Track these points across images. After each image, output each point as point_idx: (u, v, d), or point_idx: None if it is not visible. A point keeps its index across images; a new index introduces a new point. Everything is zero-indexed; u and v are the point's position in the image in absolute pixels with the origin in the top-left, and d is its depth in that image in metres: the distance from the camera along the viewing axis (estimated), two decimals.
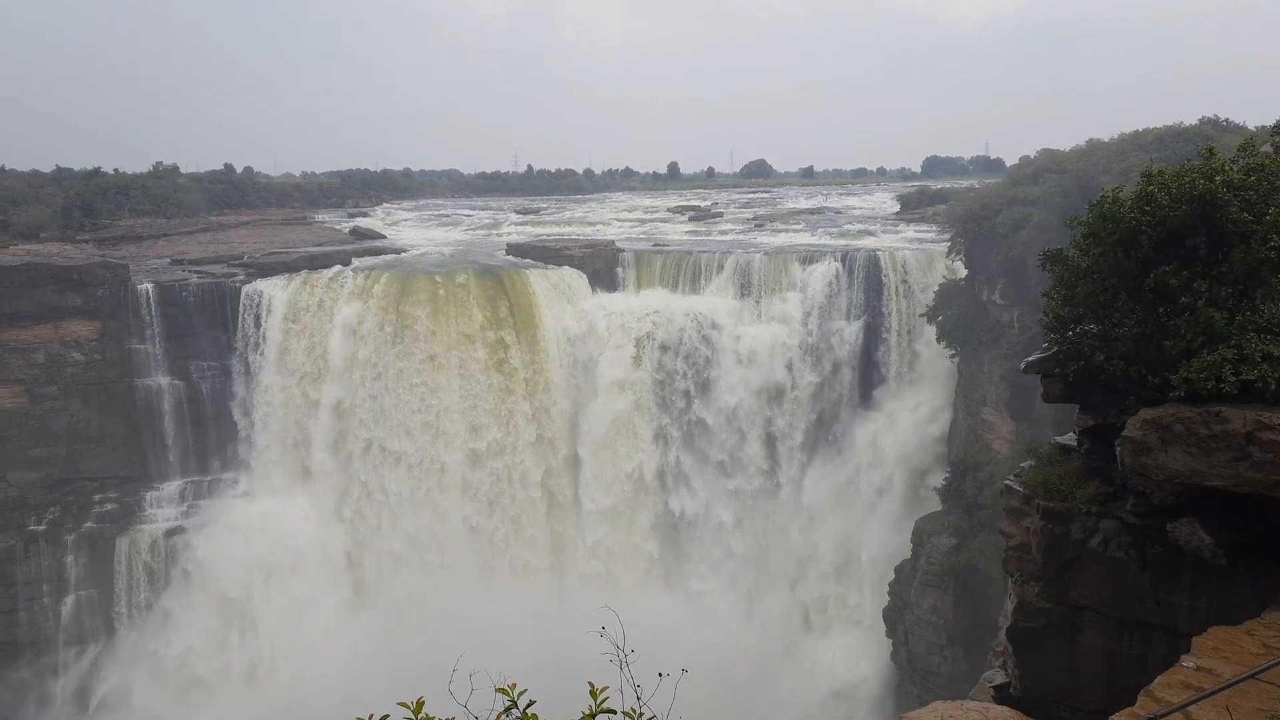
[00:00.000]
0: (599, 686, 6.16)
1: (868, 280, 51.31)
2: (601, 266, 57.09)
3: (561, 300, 54.35)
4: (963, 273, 49.10)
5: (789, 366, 51.48)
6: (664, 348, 52.49)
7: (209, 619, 50.24)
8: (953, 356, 48.64)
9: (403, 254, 62.91)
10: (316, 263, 56.86)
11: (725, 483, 52.34)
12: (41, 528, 49.92)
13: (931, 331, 48.94)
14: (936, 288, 49.32)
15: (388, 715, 5.81)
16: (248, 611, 50.43)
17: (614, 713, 6.14)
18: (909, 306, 50.75)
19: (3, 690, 47.94)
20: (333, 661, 46.68)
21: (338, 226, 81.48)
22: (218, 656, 49.61)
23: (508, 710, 6.11)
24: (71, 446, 51.20)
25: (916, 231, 63.06)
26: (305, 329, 52.74)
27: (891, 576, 47.13)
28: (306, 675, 46.94)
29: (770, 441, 52.03)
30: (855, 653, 49.19)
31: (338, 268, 56.20)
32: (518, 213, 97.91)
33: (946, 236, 52.72)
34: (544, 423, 52.82)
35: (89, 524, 50.53)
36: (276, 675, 48.35)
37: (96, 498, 51.30)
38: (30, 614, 49.38)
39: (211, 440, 52.95)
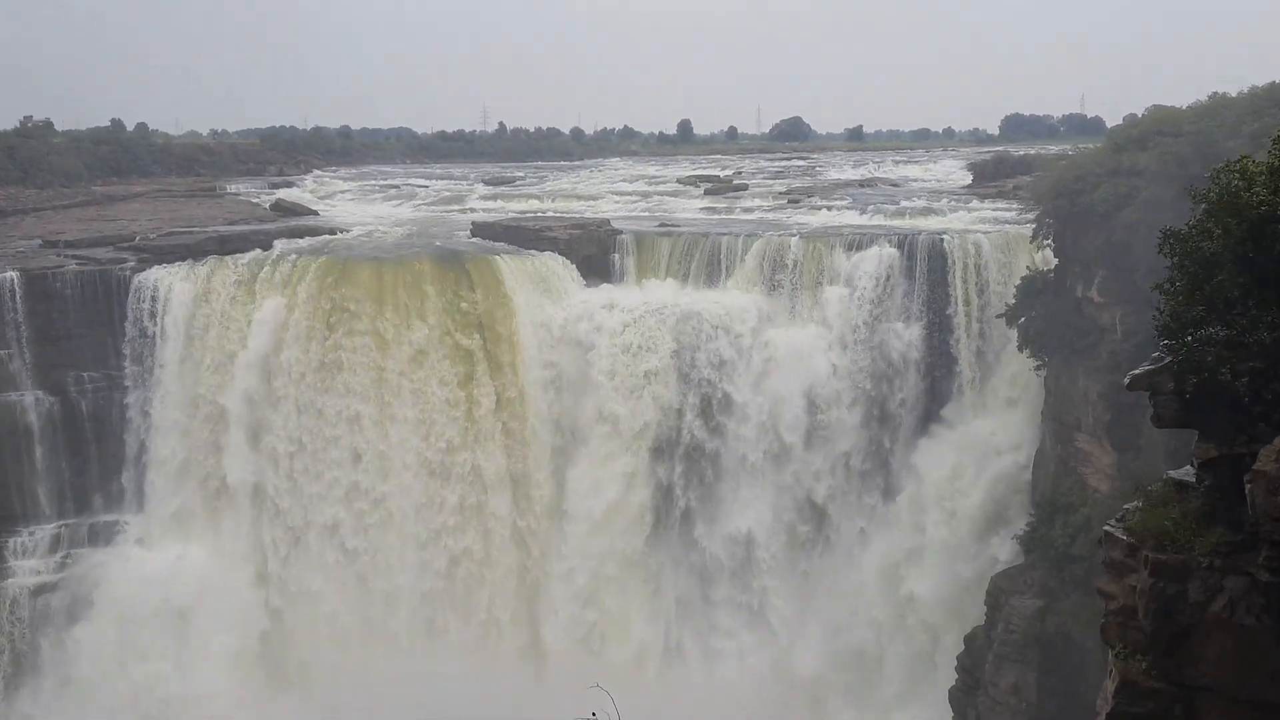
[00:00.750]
0: None
1: (931, 272, 51.40)
2: (593, 252, 57.24)
3: (542, 295, 54.47)
4: (1052, 263, 49.17)
5: (831, 381, 51.55)
6: (674, 354, 52.57)
7: (88, 705, 50.08)
8: (1038, 369, 48.73)
9: (339, 235, 63.05)
10: (229, 246, 56.94)
11: (749, 524, 52.41)
12: None
13: (1012, 337, 49.04)
14: (1018, 282, 49.39)
15: None
16: (139, 695, 50.32)
17: None
18: (983, 305, 50.85)
19: None
20: None
21: (256, 199, 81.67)
22: None
23: None
24: None
25: (993, 210, 63.24)
26: (214, 332, 52.84)
27: (960, 648, 47.13)
28: None
29: (806, 475, 52.08)
30: None
31: (256, 252, 56.28)
32: (487, 184, 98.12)
33: (1031, 217, 52.86)
34: (518, 454, 52.88)
35: None
36: None
37: None
38: None
39: (93, 473, 52.94)
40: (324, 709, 48.81)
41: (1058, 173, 52.45)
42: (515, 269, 54.67)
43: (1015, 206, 61.30)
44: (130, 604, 50.90)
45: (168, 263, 54.81)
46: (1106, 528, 16.56)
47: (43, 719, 50.16)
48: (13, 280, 52.29)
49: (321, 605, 52.27)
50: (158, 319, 52.95)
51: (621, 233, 58.75)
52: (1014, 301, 48.96)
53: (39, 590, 51.10)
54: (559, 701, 46.80)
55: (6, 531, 51.88)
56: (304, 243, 59.49)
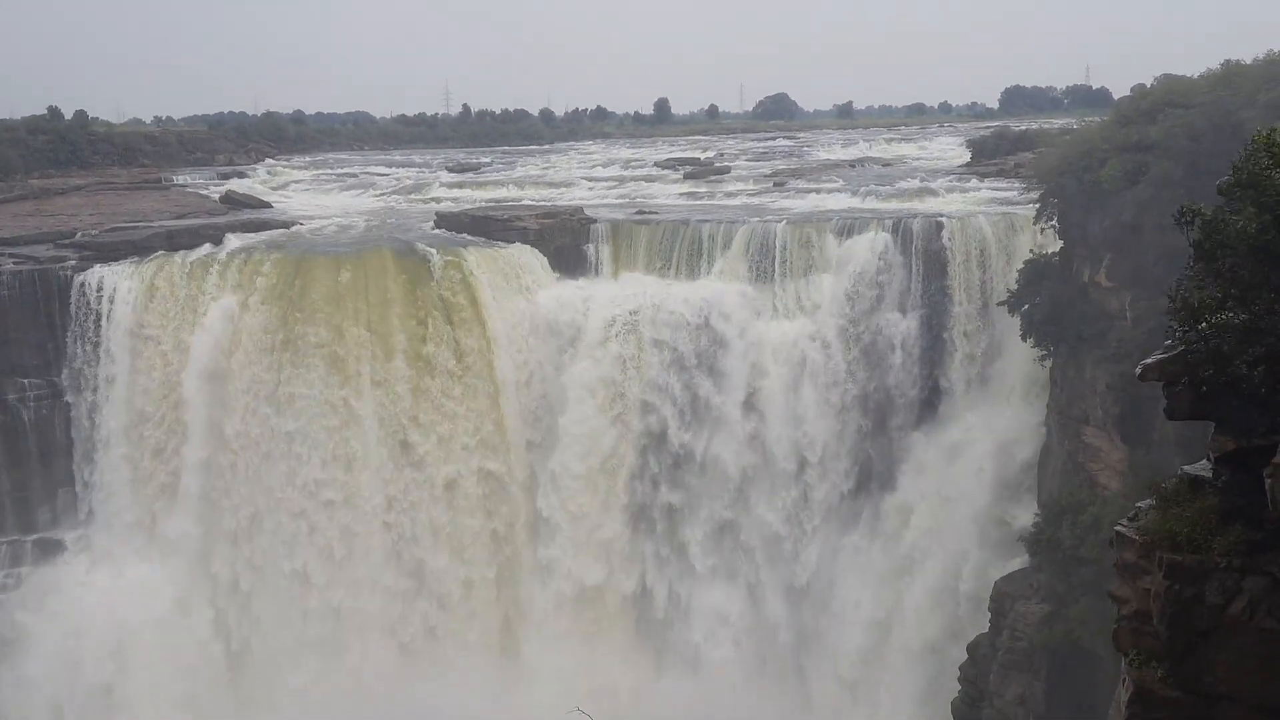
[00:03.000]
0: None
1: (928, 257, 51.57)
2: (566, 243, 57.22)
3: (512, 290, 54.46)
4: (1057, 245, 49.32)
5: (821, 374, 51.68)
6: (654, 347, 52.68)
7: None
8: (1043, 359, 48.88)
9: (294, 228, 62.82)
10: (177, 241, 56.73)
11: (737, 521, 52.71)
12: None
13: (1015, 326, 49.19)
14: (1021, 266, 49.57)
15: None
16: (85, 716, 50.17)
17: None
18: (984, 292, 51.06)
19: None
20: None
21: (205, 191, 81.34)
22: None
23: None
24: None
25: (993, 190, 63.46)
26: (163, 333, 52.58)
27: (964, 657, 47.28)
28: None
29: (796, 475, 52.29)
30: None
31: (206, 248, 56.07)
32: (451, 170, 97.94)
33: (1034, 196, 52.99)
34: (491, 460, 52.85)
35: None
36: None
37: None
38: None
39: (37, 487, 52.74)
40: None
41: (1062, 149, 52.60)
42: (483, 262, 54.58)
43: (1017, 186, 61.46)
44: (77, 623, 50.66)
45: (112, 261, 54.51)
46: (1118, 528, 16.61)
47: None
48: None
49: (278, 617, 52.18)
50: (102, 321, 52.62)
51: (596, 221, 58.71)
52: (1016, 287, 49.03)
53: None
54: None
55: None
56: (257, 237, 59.24)
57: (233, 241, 57.33)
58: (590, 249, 57.09)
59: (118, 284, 53.08)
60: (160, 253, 55.17)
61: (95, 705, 50.47)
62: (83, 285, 53.10)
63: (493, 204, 69.93)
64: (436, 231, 61.03)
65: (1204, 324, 15.16)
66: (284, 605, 52.11)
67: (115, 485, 52.60)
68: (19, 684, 50.43)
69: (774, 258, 53.50)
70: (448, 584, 52.77)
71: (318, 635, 52.00)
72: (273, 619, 52.30)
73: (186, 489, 52.31)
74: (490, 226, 59.12)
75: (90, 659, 50.51)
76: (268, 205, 73.78)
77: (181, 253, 55.29)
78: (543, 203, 68.75)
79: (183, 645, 51.74)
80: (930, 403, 51.52)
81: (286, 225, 63.58)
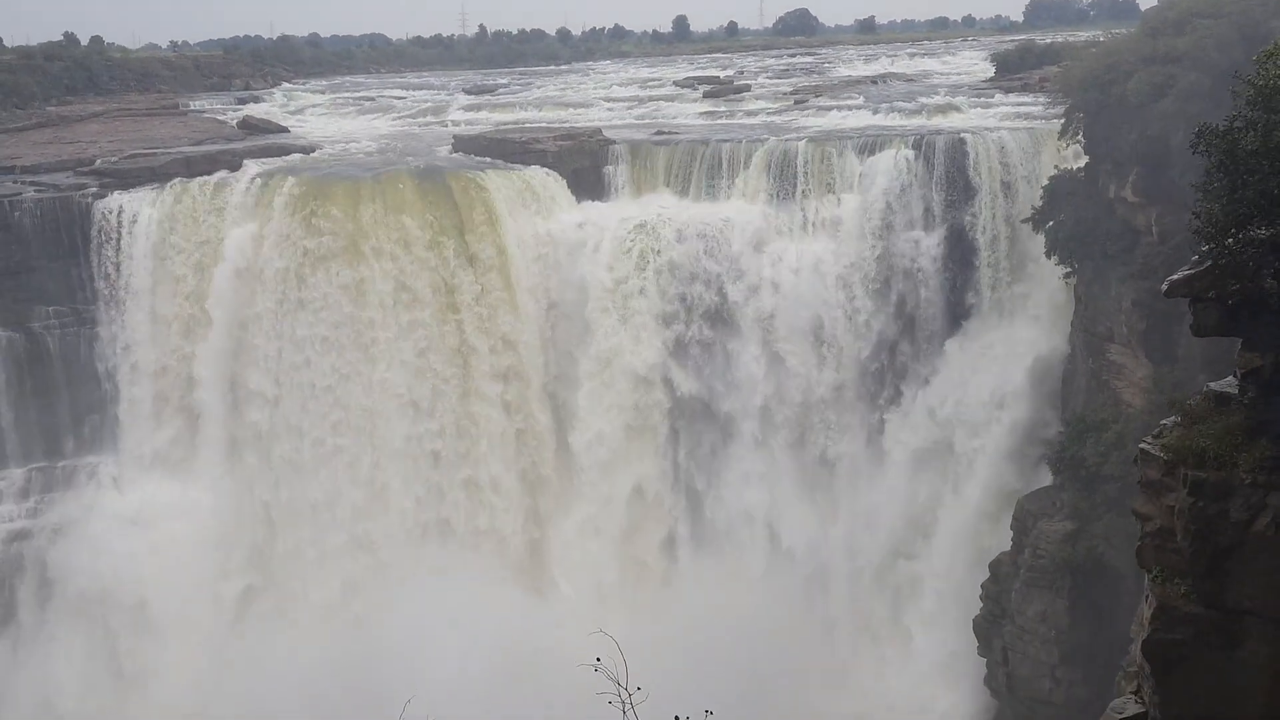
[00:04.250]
0: None
1: (951, 174, 51.10)
2: (585, 165, 56.87)
3: (531, 213, 54.35)
4: (1083, 161, 48.88)
5: (844, 295, 51.58)
6: (673, 274, 52.59)
7: (72, 649, 50.94)
8: (1068, 276, 48.66)
9: (312, 153, 62.65)
10: (195, 167, 56.65)
11: (759, 452, 52.85)
12: None
13: (1039, 243, 48.89)
14: (1046, 182, 49.19)
15: None
16: (123, 636, 51.24)
17: None
18: (1009, 209, 50.62)
19: None
20: (237, 694, 47.47)
21: (222, 117, 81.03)
22: (88, 696, 50.47)
23: None
24: None
25: (1018, 105, 62.72)
26: (184, 258, 52.81)
27: (985, 575, 47.57)
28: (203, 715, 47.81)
29: (819, 397, 52.38)
30: (936, 677, 49.80)
31: (224, 173, 56.00)
32: (468, 93, 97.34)
33: (1059, 111, 52.36)
34: (511, 381, 53.12)
35: None
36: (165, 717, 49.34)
37: None
38: None
39: (63, 414, 53.21)
40: (318, 638, 49.47)
41: (1088, 62, 51.80)
42: (502, 185, 54.41)
43: (1042, 100, 60.65)
44: (107, 547, 51.39)
45: (131, 187, 54.51)
46: (1142, 445, 16.60)
47: (21, 666, 50.91)
48: None
49: (307, 532, 52.93)
50: (123, 248, 52.79)
51: (615, 143, 58.29)
52: (1041, 204, 48.72)
53: (12, 538, 51.63)
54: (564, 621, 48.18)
55: None
56: (275, 162, 59.05)
57: (251, 167, 57.23)
58: (609, 171, 56.75)
59: (138, 211, 53.17)
60: (179, 179, 55.14)
61: (128, 625, 51.34)
62: (103, 213, 53.13)
63: (510, 126, 69.48)
64: (455, 155, 60.80)
65: (1230, 239, 15.04)
66: (309, 515, 52.80)
67: (140, 411, 53.11)
68: (54, 607, 51.36)
69: (795, 176, 53.11)
70: (474, 489, 53.42)
71: (343, 545, 52.69)
72: (298, 530, 53.02)
73: (211, 413, 52.88)
74: (508, 149, 58.83)
75: (122, 580, 51.28)
76: (285, 130, 73.55)
77: (200, 178, 55.23)
78: (561, 124, 68.26)
79: (211, 562, 52.66)
80: (953, 321, 51.33)
81: (305, 150, 63.39)
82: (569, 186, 55.78)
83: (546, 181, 55.48)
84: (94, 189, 54.63)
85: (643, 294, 52.73)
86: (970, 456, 50.11)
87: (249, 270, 52.43)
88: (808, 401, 52.56)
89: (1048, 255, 48.48)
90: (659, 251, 52.88)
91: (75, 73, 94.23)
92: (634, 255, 52.95)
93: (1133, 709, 16.36)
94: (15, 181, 56.18)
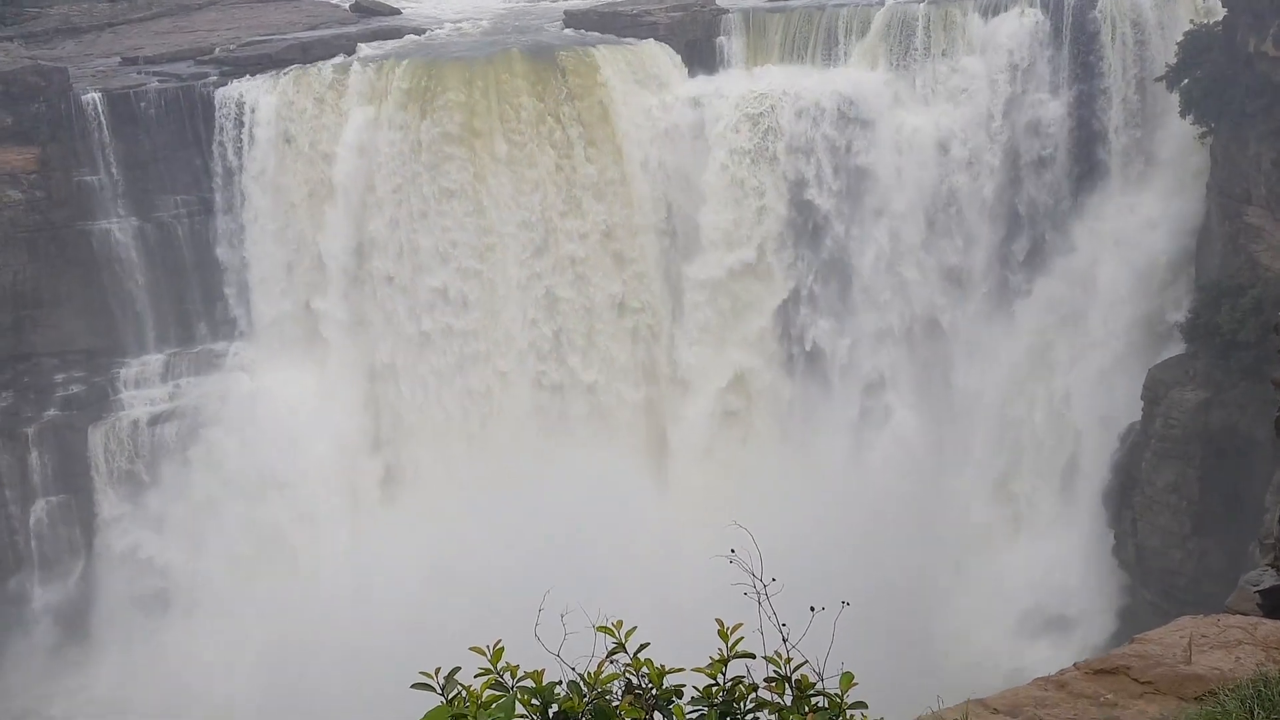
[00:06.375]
0: (729, 624, 6.35)
1: (1079, 33, 49.63)
2: (697, 36, 55.96)
3: (643, 89, 54.03)
4: (1220, 13, 47.27)
5: (968, 164, 50.67)
6: (790, 149, 51.95)
7: (214, 528, 53.14)
8: (1203, 136, 47.39)
9: (424, 34, 62.55)
10: (311, 53, 56.93)
11: (879, 324, 52.61)
12: None
13: (1173, 102, 47.40)
14: (1180, 37, 47.67)
15: (457, 668, 6.08)
16: (256, 515, 53.21)
17: (753, 656, 6.32)
18: (1140, 68, 49.23)
19: None
20: (370, 575, 49.37)
21: (335, 0, 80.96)
22: (228, 574, 52.67)
23: (613, 654, 6.34)
24: (19, 313, 53.35)
25: None
26: (303, 144, 53.60)
27: (1115, 445, 47.17)
28: (337, 594, 49.67)
29: (944, 267, 51.87)
30: (1064, 550, 49.75)
31: (340, 59, 56.29)
32: None
33: None
34: (625, 258, 53.39)
35: (52, 411, 53.22)
36: (302, 596, 51.30)
37: (58, 378, 53.79)
38: None
39: (194, 300, 54.72)
40: (438, 516, 50.92)
41: None
42: (614, 61, 53.98)
43: None
44: (241, 429, 53.29)
45: (250, 75, 55.08)
46: None
47: (166, 544, 53.36)
48: (96, 102, 53.09)
49: (433, 412, 54.33)
50: (245, 136, 53.59)
51: (728, 11, 57.08)
52: (1175, 61, 47.36)
53: (155, 420, 53.66)
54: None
55: (117, 363, 54.30)
56: (389, 45, 59.13)
57: (365, 50, 57.50)
58: (722, 41, 55.77)
59: (258, 98, 53.80)
60: (296, 65, 55.57)
61: (265, 496, 53.11)
62: (222, 101, 53.87)
63: None
64: (565, 31, 60.21)
65: None
66: (435, 396, 54.17)
67: (268, 295, 54.40)
68: (199, 482, 53.41)
69: (915, 41, 51.76)
70: (592, 374, 54.18)
71: (467, 427, 54.09)
72: (423, 404, 54.46)
73: (336, 293, 54.09)
74: (619, 23, 58.01)
75: (258, 457, 53.05)
76: (398, 11, 73.18)
77: (317, 63, 55.62)
78: None
79: (342, 441, 54.28)
80: (1083, 186, 50.28)
81: (417, 31, 63.22)
82: (683, 59, 55.02)
83: (659, 55, 54.82)
84: (214, 77, 55.31)
85: (758, 168, 52.24)
86: (1100, 325, 49.44)
87: (367, 154, 53.03)
88: (927, 275, 51.93)
89: (1182, 115, 47.41)
90: (775, 125, 52.26)
91: None
92: (749, 130, 52.40)
93: (1270, 580, 16.08)
94: (139, 73, 57.01)
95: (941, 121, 50.87)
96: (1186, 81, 46.78)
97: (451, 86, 52.85)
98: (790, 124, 52.15)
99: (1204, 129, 47.11)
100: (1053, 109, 49.88)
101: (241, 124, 53.66)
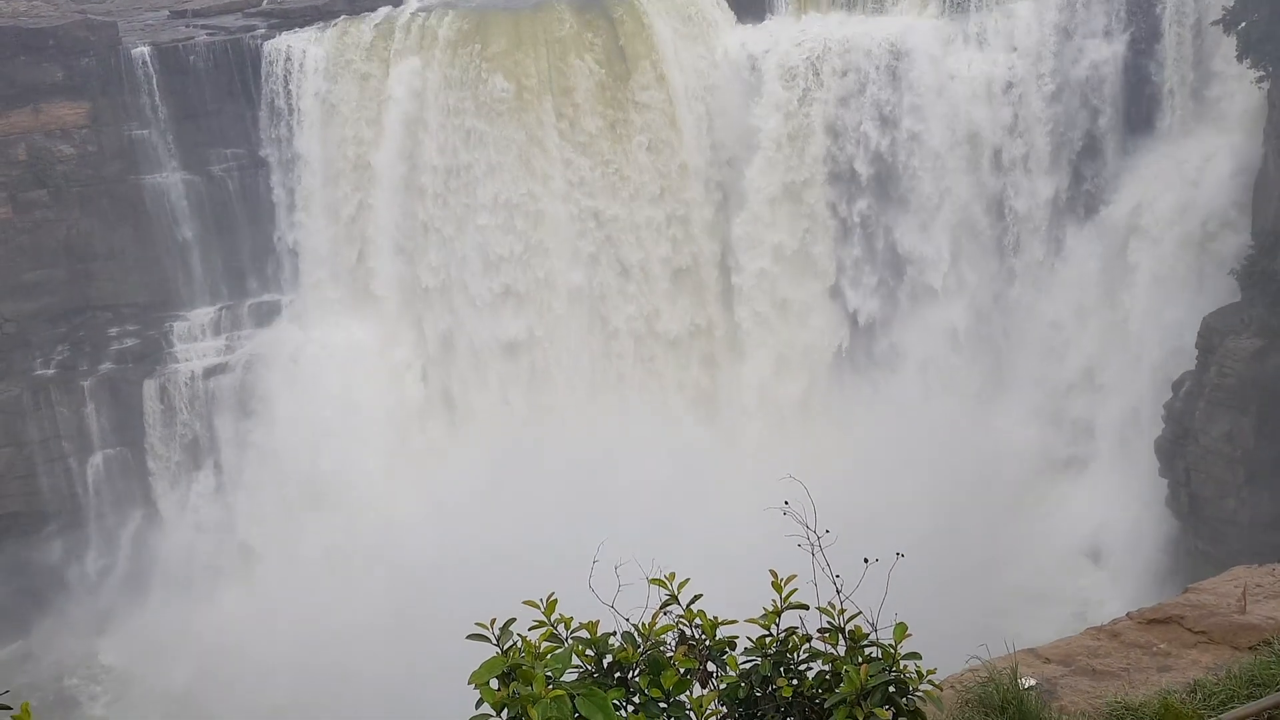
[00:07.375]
0: (783, 575, 6.38)
1: None
2: None
3: (692, 38, 53.74)
4: None
5: (1019, 110, 50.13)
6: (840, 99, 51.67)
7: (269, 479, 53.86)
8: (1261, 80, 46.29)
9: None
10: (358, 4, 56.83)
11: (931, 271, 52.23)
12: (50, 371, 53.68)
13: (1230, 45, 46.43)
14: None
15: (512, 619, 6.14)
16: (312, 467, 53.80)
17: (806, 608, 6.35)
18: (1196, 10, 48.09)
19: (30, 570, 52.72)
20: (427, 526, 49.89)
21: None
22: (285, 523, 53.36)
23: (666, 606, 6.38)
24: (73, 267, 54.08)
25: None
26: (351, 96, 53.70)
27: (1169, 394, 46.75)
28: (397, 549, 50.19)
29: (996, 214, 51.42)
30: (1117, 498, 49.45)
31: (386, 9, 56.18)
32: None
33: None
34: (672, 204, 53.22)
35: (107, 365, 54.10)
36: (358, 548, 51.89)
37: (112, 331, 54.62)
38: (51, 478, 53.77)
39: (245, 254, 55.23)
40: (491, 466, 51.23)
41: None
42: (661, 9, 53.64)
43: None
44: (295, 381, 53.87)
45: (297, 27, 55.14)
46: None
47: (223, 496, 54.23)
48: (145, 56, 53.42)
49: (489, 362, 54.75)
50: (293, 88, 53.69)
51: None
52: (1233, 4, 46.07)
53: (209, 373, 54.34)
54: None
55: (171, 316, 54.99)
56: None
57: (413, 1, 57.33)
58: None
59: (305, 50, 53.84)
60: (343, 16, 55.55)
61: (320, 448, 53.56)
62: (270, 53, 53.97)
63: None
64: None
65: None
66: (485, 344, 54.54)
67: (318, 246, 54.76)
68: (254, 434, 54.19)
69: None
70: (644, 323, 54.64)
71: (516, 371, 54.52)
72: (475, 360, 54.90)
73: (385, 244, 54.46)
74: None
75: (311, 408, 53.56)
76: None
77: (364, 14, 55.58)
78: None
79: (395, 391, 54.96)
80: (1136, 132, 49.56)
81: None
82: (730, 4, 54.54)
83: (706, 2, 54.41)
84: (262, 30, 55.46)
85: (809, 117, 51.84)
86: (1154, 272, 48.86)
87: (415, 105, 53.05)
88: (976, 222, 51.50)
89: (1239, 59, 46.21)
90: (826, 72, 51.75)
91: None
92: (800, 77, 51.91)
93: None
94: (188, 25, 57.22)
95: (993, 68, 50.16)
96: (1244, 25, 45.54)
97: (498, 36, 52.74)
98: (839, 70, 51.61)
99: (1261, 73, 45.95)
100: (1106, 52, 49.00)
101: (289, 76, 53.79)
